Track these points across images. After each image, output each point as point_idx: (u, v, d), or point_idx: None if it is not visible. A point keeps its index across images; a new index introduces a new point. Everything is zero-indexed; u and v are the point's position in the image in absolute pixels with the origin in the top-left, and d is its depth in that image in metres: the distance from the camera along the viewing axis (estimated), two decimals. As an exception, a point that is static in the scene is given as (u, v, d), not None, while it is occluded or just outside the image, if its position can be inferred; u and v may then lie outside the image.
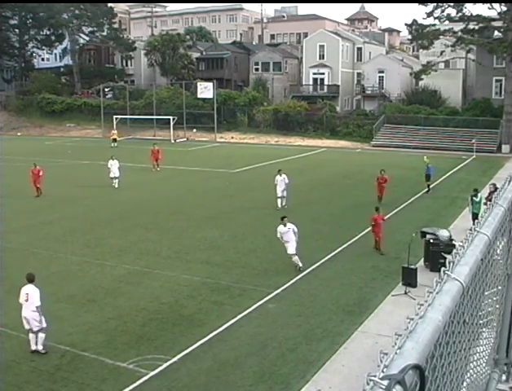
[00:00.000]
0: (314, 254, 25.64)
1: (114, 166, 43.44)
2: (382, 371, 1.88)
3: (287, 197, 35.89)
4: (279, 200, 35.50)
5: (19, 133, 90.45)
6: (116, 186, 42.83)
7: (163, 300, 21.04)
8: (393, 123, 77.61)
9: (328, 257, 25.67)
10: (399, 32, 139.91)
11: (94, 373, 15.81)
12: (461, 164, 57.27)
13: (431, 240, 23.73)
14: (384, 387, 1.74)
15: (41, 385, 15.29)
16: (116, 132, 74.02)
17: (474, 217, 26.72)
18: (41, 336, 16.87)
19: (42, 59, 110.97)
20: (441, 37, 74.67)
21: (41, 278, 23.23)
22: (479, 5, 72.34)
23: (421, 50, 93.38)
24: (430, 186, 40.57)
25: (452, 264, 2.73)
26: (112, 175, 43.32)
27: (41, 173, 39.78)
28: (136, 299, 21.00)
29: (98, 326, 18.92)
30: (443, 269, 2.63)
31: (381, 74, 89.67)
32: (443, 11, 70.66)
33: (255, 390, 14.74)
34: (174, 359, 16.41)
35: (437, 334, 2.20)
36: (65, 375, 15.73)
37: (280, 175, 35.75)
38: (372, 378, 1.78)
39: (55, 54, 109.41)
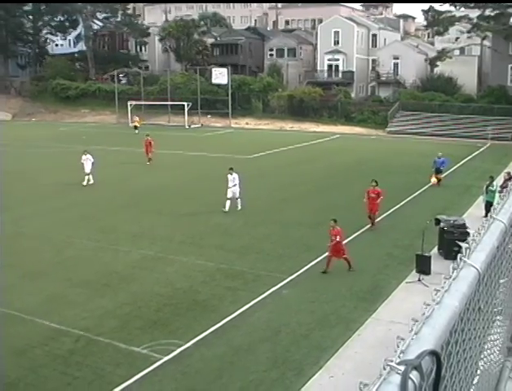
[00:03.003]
0: (326, 241, 25.60)
1: (87, 161, 39.33)
2: (399, 357, 1.88)
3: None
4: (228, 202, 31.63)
5: (33, 119, 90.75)
6: (85, 183, 38.73)
7: (177, 285, 21.11)
8: (408, 110, 77.31)
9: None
10: (414, 18, 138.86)
11: (108, 357, 15.91)
12: (476, 152, 57.02)
13: (445, 228, 23.64)
14: (401, 372, 1.74)
15: (55, 369, 15.39)
16: (137, 119, 73.84)
17: (488, 205, 26.53)
18: None
19: (56, 45, 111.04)
20: (457, 23, 74.21)
21: (56, 264, 23.51)
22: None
23: (436, 37, 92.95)
24: (442, 177, 39.50)
25: (468, 250, 2.72)
26: (85, 171, 39.04)
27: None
28: (150, 284, 21.08)
29: (112, 311, 19.01)
30: (459, 255, 2.63)
31: (396, 60, 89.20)
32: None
33: (268, 376, 14.78)
34: (188, 344, 16.47)
35: (453, 320, 2.20)
36: (79, 360, 15.83)
37: (231, 174, 32.02)
38: (389, 363, 1.78)
39: (69, 40, 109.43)
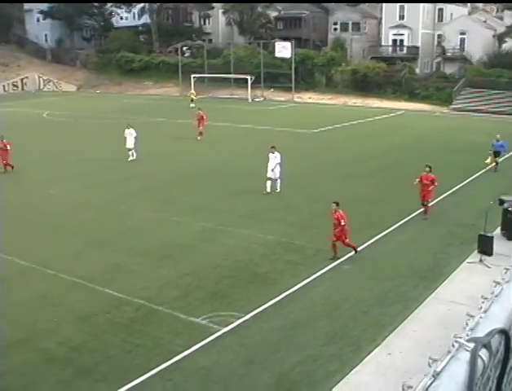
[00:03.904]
0: (389, 217, 25.41)
1: (130, 136, 38.70)
2: (467, 334, 1.86)
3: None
4: (268, 183, 30.10)
5: (98, 91, 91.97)
6: (130, 158, 38.41)
7: (237, 257, 21.26)
8: (474, 87, 75.55)
9: (404, 221, 25.35)
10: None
11: (167, 327, 16.17)
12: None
13: (510, 208, 23.16)
14: (470, 349, 1.73)
15: (116, 336, 15.72)
16: (193, 92, 73.58)
17: None
18: None
19: (121, 18, 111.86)
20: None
21: (119, 233, 23.95)
22: None
23: (505, 11, 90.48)
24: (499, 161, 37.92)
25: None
26: (127, 146, 38.65)
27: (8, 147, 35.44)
28: (211, 256, 21.28)
29: (173, 281, 19.27)
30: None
31: (462, 36, 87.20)
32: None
33: (326, 351, 14.81)
34: (247, 317, 16.62)
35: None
36: (140, 328, 16.14)
37: (273, 153, 30.47)
38: (458, 340, 1.77)
39: (134, 12, 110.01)
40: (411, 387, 1.67)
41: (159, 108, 68.98)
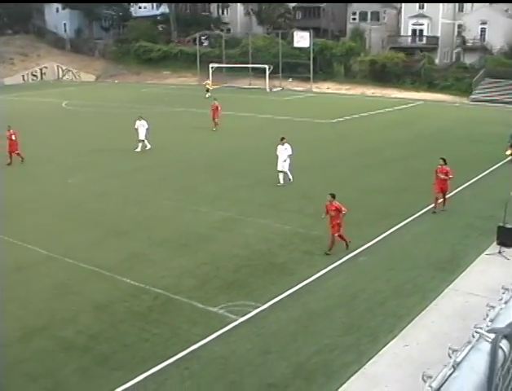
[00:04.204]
0: (407, 208, 25.31)
1: (142, 127, 38.31)
2: (488, 325, 1.85)
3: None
4: (281, 175, 29.74)
5: (116, 81, 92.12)
6: (139, 150, 37.86)
7: (255, 247, 21.29)
8: (494, 77, 74.87)
9: (422, 212, 25.23)
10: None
11: (185, 316, 16.24)
12: None
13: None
14: (490, 340, 1.71)
15: (134, 325, 15.81)
16: (209, 82, 73.06)
17: None
18: None
19: (139, 8, 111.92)
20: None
21: (137, 223, 24.04)
22: None
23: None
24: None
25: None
26: (139, 138, 38.08)
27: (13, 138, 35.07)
28: (229, 245, 21.32)
29: (190, 270, 19.34)
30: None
31: (483, 26, 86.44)
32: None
33: (343, 341, 14.81)
34: (264, 306, 16.65)
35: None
36: (157, 317, 16.22)
37: (283, 144, 29.86)
38: (479, 330, 1.76)
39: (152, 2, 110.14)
40: (431, 377, 1.66)
41: (177, 98, 69.00)
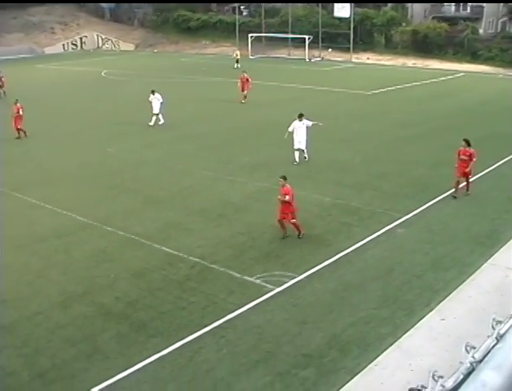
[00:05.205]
0: (447, 182, 24.93)
1: (156, 101, 37.31)
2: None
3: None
4: (297, 153, 28.50)
5: (155, 50, 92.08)
6: (152, 123, 36.89)
7: (292, 218, 21.24)
8: (541, 47, 73.23)
9: (460, 186, 24.88)
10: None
11: (221, 285, 16.31)
12: None
13: None
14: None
15: (171, 293, 15.94)
16: (238, 52, 71.82)
17: None
18: None
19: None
20: None
21: (174, 193, 24.20)
22: None
23: None
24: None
25: None
26: (154, 111, 37.14)
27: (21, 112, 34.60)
28: (265, 216, 21.24)
29: (227, 240, 19.40)
30: None
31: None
32: None
33: (378, 314, 14.75)
34: (300, 277, 16.65)
35: None
36: (194, 285, 16.32)
37: (301, 120, 28.43)
38: None
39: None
40: (474, 347, 1.62)
41: (215, 68, 68.78)
